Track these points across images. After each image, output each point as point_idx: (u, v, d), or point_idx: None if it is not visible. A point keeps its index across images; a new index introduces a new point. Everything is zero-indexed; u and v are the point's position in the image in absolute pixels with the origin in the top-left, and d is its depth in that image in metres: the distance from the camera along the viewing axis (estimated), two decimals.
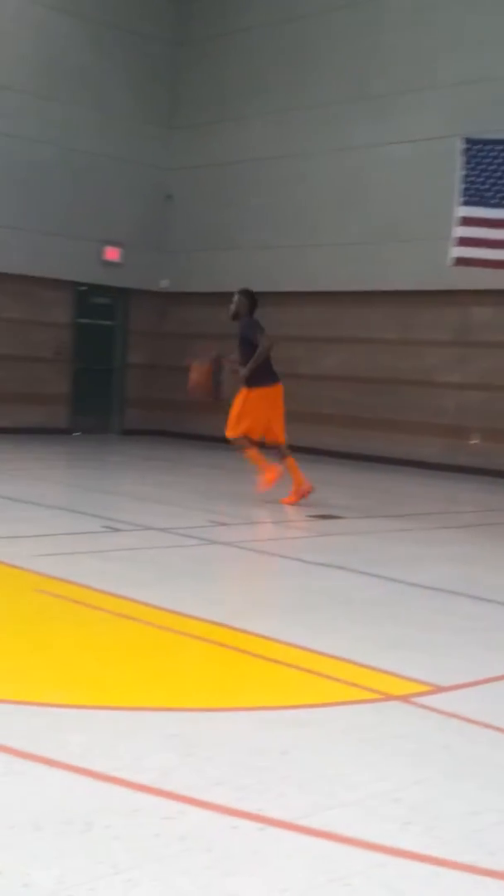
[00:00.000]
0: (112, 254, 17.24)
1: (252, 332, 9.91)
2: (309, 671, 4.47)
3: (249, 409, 9.92)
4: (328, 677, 4.41)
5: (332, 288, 15.69)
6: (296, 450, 10.29)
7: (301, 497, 9.88)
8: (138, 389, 18.08)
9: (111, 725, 3.72)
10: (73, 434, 17.07)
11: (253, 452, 10.11)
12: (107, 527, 8.06)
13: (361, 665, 4.54)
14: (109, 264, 17.24)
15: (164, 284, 17.91)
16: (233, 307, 10.15)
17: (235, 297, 10.16)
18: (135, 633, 5.06)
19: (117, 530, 7.96)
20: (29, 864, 2.62)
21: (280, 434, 9.97)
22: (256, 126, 16.63)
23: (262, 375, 9.88)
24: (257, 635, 4.96)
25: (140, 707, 3.95)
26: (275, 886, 2.57)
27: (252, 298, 10.17)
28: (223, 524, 8.66)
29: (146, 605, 5.46)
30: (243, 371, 9.86)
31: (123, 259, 17.34)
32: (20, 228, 16.07)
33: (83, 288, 17.22)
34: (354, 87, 15.36)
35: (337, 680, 4.37)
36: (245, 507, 9.81)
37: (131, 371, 18.04)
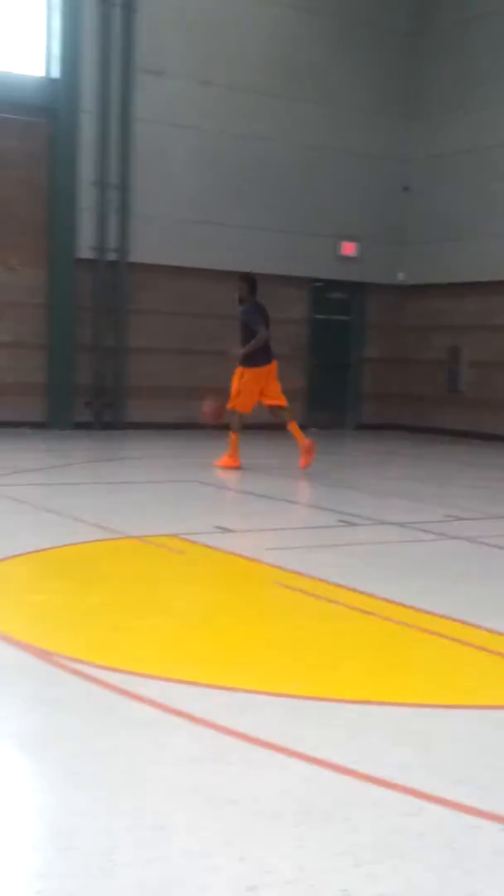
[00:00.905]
0: (348, 248, 17.30)
1: (252, 319, 10.87)
2: None
3: (245, 388, 11.07)
4: None
5: None
6: None
7: (310, 455, 11.04)
8: (374, 384, 18.07)
9: (348, 719, 3.74)
10: (309, 429, 17.23)
11: (234, 437, 11.16)
12: (343, 521, 8.09)
13: None
14: (346, 259, 17.31)
15: (402, 277, 17.80)
16: (237, 293, 11.15)
17: (238, 284, 11.16)
18: (371, 627, 5.06)
19: (353, 524, 7.98)
20: (269, 852, 2.67)
21: (275, 400, 11.16)
22: (501, 112, 16.27)
23: (257, 356, 10.93)
24: (497, 633, 4.86)
25: (376, 701, 3.95)
26: None
27: (252, 282, 11.11)
28: (461, 519, 8.52)
29: (382, 599, 5.45)
30: (239, 351, 10.96)
31: (360, 253, 17.36)
32: (257, 228, 16.37)
33: (319, 284, 17.36)
34: None
35: None
36: (483, 501, 9.62)
37: (367, 365, 18.05)
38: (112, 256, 15.49)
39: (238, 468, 11.10)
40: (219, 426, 11.63)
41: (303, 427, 17.10)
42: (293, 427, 11.27)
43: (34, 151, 14.94)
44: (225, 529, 7.42)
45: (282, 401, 11.22)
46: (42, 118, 14.91)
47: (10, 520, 7.58)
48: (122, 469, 11.58)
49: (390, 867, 2.60)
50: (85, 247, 15.24)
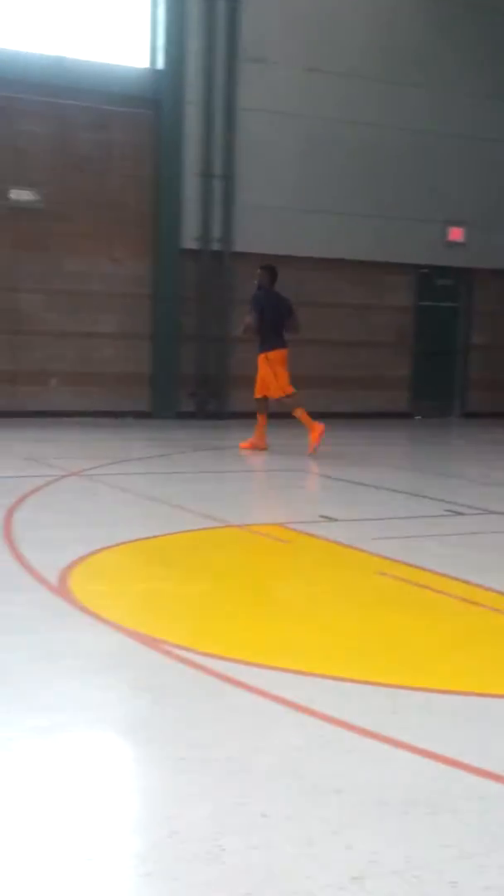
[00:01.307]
0: (456, 234, 17.06)
1: (255, 304, 11.52)
2: None
3: (276, 371, 11.53)
4: None
5: None
6: None
7: (320, 438, 11.28)
8: (482, 371, 17.80)
9: (454, 710, 3.70)
10: (414, 418, 17.09)
11: (261, 418, 11.68)
12: (449, 510, 8.00)
13: None
14: (453, 245, 17.07)
15: None
16: (256, 280, 11.72)
17: (258, 271, 11.75)
18: (477, 618, 5.00)
19: (459, 514, 7.89)
20: (376, 841, 2.66)
21: (281, 389, 11.58)
22: None
23: (273, 340, 11.51)
24: None
25: (481, 693, 3.90)
26: None
27: (273, 273, 11.74)
28: None
29: (489, 589, 5.37)
30: (238, 332, 11.97)
31: (467, 239, 17.11)
32: (363, 215, 16.26)
33: (425, 270, 17.17)
34: None
35: None
36: None
37: (474, 353, 17.79)
38: (216, 246, 15.56)
39: (265, 449, 11.57)
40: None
41: (407, 415, 17.06)
42: (300, 413, 11.58)
43: (140, 143, 15.08)
44: (329, 518, 7.41)
45: (286, 392, 11.65)
46: (147, 110, 15.04)
47: (115, 508, 7.69)
48: (225, 458, 11.65)
49: (498, 860, 2.57)
50: (189, 237, 15.35)
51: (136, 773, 3.16)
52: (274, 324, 11.52)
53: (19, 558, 5.79)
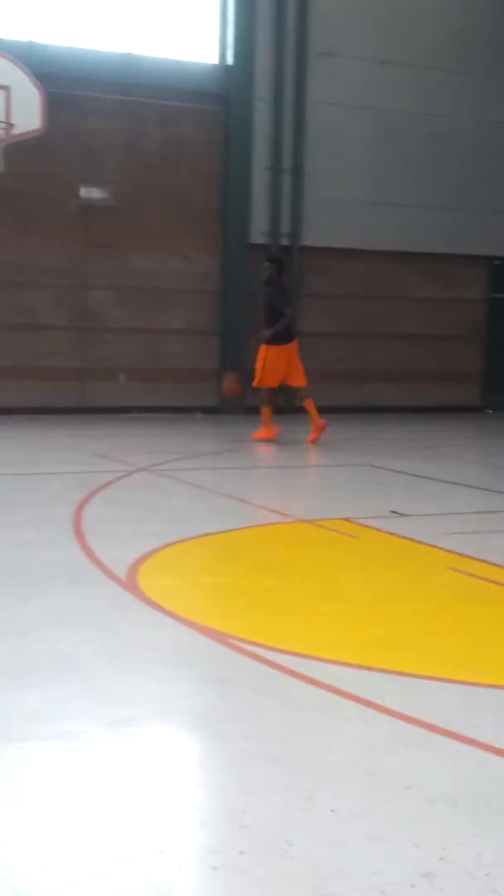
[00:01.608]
0: None
1: (279, 301, 11.64)
2: None
3: (270, 365, 11.71)
4: None
5: None
6: None
7: (320, 433, 11.65)
8: None
9: None
10: (487, 411, 16.90)
11: (267, 411, 11.91)
12: None
13: None
14: None
15: None
16: (265, 274, 11.83)
17: (266, 265, 11.87)
18: None
19: None
20: (446, 839, 2.63)
21: (298, 380, 11.91)
22: None
23: (280, 335, 11.63)
24: None
25: None
26: None
27: (281, 265, 11.99)
28: None
29: None
30: (266, 333, 11.67)
31: None
32: (434, 207, 16.12)
33: (498, 262, 16.95)
34: None
35: None
36: None
37: None
38: (285, 241, 15.53)
39: (273, 440, 11.75)
40: (238, 399, 12.75)
41: (479, 409, 16.88)
42: (309, 404, 11.81)
43: (209, 139, 15.11)
44: (398, 513, 7.35)
45: (302, 381, 11.94)
46: (217, 106, 15.06)
47: (183, 504, 7.72)
48: (294, 453, 11.63)
49: None
50: (258, 232, 15.34)
51: (206, 767, 3.16)
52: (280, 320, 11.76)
53: (89, 553, 5.84)
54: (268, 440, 11.83)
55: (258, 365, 11.90)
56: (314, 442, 11.69)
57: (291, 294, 12.03)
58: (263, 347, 11.83)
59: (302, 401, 12.04)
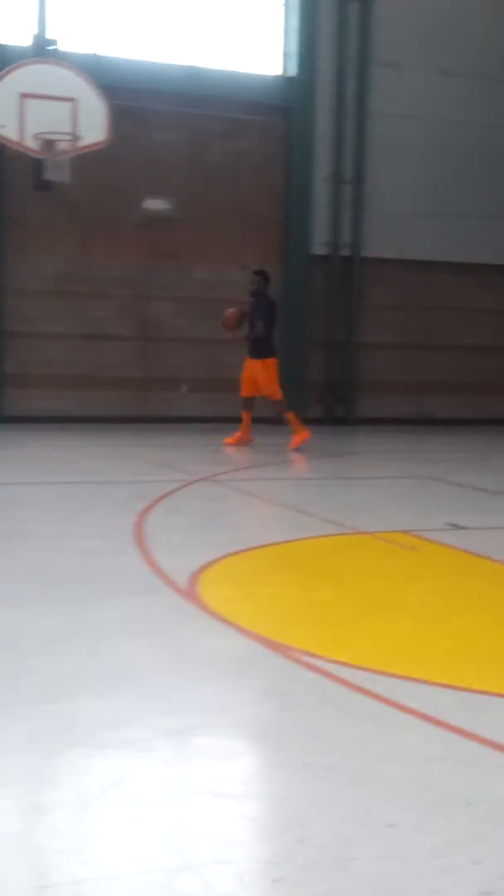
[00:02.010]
0: None
1: (258, 314, 11.83)
2: None
3: (269, 377, 11.99)
4: None
5: None
6: None
7: (238, 443, 12.24)
8: None
9: None
10: None
11: (290, 416, 12.10)
12: None
13: None
14: None
15: None
16: (252, 286, 12.09)
17: (252, 277, 12.13)
18: None
19: None
20: None
21: (249, 390, 12.26)
22: None
23: (267, 348, 11.95)
24: None
25: None
26: None
27: (266, 278, 12.16)
28: None
29: None
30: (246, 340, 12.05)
31: None
32: (497, 218, 16.05)
33: None
34: None
35: None
36: None
37: None
38: (345, 252, 15.54)
39: (309, 437, 12.08)
40: (236, 334, 12.42)
41: None
42: (247, 416, 12.34)
43: (271, 150, 15.19)
44: (458, 526, 7.32)
45: (250, 393, 12.34)
46: (278, 117, 15.13)
47: (243, 514, 7.75)
48: (353, 464, 11.63)
49: None
50: (318, 243, 15.38)
51: (265, 779, 3.18)
52: (271, 331, 11.96)
53: (150, 562, 5.89)
54: (305, 439, 11.94)
55: (260, 382, 12.13)
56: (231, 446, 12.12)
57: (274, 308, 12.12)
58: (256, 363, 12.08)
59: (242, 409, 12.40)
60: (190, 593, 5.20)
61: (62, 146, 12.25)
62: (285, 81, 15.17)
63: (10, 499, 8.32)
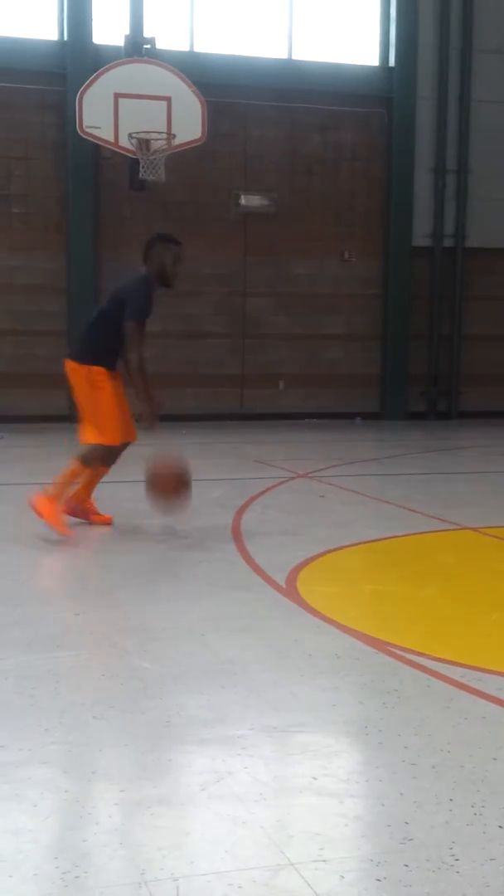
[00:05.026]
0: None
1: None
2: None
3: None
4: None
5: None
6: None
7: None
8: None
9: None
10: None
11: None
12: None
13: None
14: None
15: None
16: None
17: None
18: None
19: None
20: None
21: None
22: None
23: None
24: None
25: None
26: None
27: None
28: None
29: None
30: None
31: None
32: None
33: None
34: None
35: None
36: None
37: None
38: (448, 243, 15.30)
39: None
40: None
41: None
42: None
43: (371, 142, 15.02)
44: None
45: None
46: (379, 108, 14.96)
47: (346, 510, 7.67)
48: (457, 459, 11.43)
49: None
50: (421, 235, 15.16)
51: (368, 777, 3.10)
52: None
53: (248, 559, 5.86)
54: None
55: None
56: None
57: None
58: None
59: None
60: (289, 590, 5.14)
61: (157, 145, 12.29)
62: (385, 71, 14.97)
63: (105, 498, 8.37)
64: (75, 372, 6.60)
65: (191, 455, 11.05)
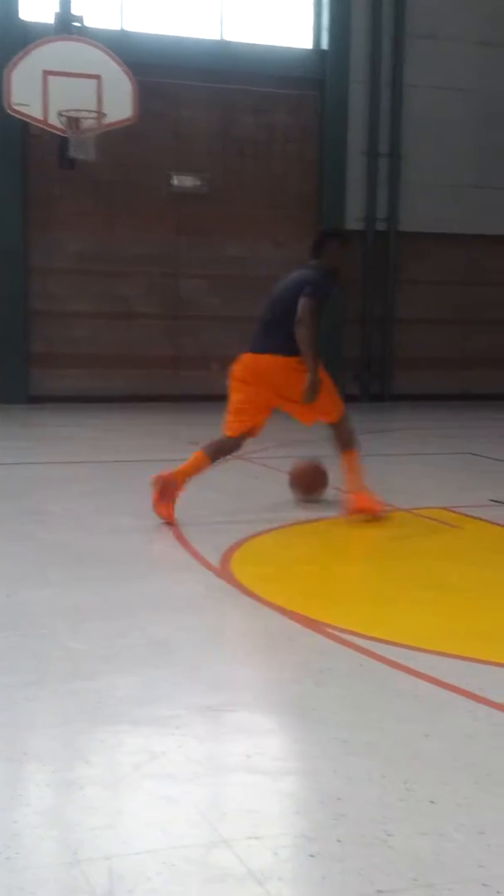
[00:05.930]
0: None
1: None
2: None
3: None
4: None
5: None
6: None
7: None
8: None
9: None
10: None
11: None
12: None
13: None
14: None
15: None
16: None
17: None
18: None
19: None
20: None
21: None
22: None
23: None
24: None
25: None
26: None
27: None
28: None
29: None
30: None
31: None
32: None
33: None
34: None
35: None
36: None
37: None
38: (381, 227, 15.37)
39: None
40: None
41: None
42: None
43: (303, 125, 15.02)
44: (499, 502, 7.20)
45: None
46: (311, 91, 14.96)
47: (278, 491, 7.66)
48: (390, 441, 11.50)
49: None
50: (353, 218, 15.21)
51: (302, 755, 3.11)
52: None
53: (182, 540, 5.84)
54: None
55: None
56: None
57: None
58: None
59: None
60: (223, 571, 5.13)
61: (87, 124, 12.13)
62: (318, 54, 14.98)
63: (38, 478, 8.29)
64: (276, 365, 6.97)
65: (125, 436, 11.01)
